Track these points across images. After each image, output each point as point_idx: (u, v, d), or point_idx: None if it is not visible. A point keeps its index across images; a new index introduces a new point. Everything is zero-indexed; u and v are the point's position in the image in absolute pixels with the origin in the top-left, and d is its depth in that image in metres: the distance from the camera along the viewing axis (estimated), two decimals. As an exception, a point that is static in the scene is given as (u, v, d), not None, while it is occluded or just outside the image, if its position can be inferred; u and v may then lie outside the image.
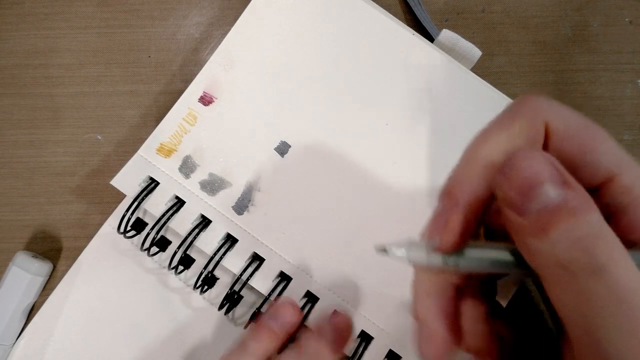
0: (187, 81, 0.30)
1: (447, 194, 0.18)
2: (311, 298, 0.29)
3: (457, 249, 0.17)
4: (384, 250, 0.18)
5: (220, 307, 0.29)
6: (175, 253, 0.28)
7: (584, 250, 0.15)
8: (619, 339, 0.15)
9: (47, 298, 0.30)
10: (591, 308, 0.15)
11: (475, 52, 0.31)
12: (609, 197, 0.17)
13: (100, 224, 0.31)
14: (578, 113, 0.17)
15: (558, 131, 0.17)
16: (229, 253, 0.29)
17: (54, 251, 0.32)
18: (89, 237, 0.31)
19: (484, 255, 0.17)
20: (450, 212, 0.17)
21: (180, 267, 0.29)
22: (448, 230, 0.17)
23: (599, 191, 0.17)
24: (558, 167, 0.15)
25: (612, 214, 0.17)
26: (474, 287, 0.19)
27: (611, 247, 0.15)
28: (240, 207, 0.29)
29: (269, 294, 0.28)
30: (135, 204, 0.29)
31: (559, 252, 0.15)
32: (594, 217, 0.15)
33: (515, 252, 0.16)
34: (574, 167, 0.17)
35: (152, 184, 0.29)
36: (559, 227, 0.15)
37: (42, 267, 0.30)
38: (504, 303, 0.21)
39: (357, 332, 0.28)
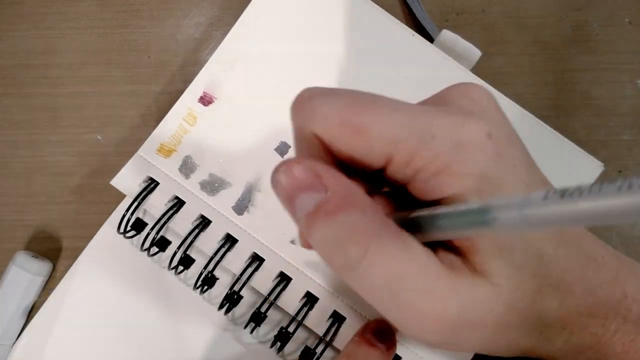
0: (187, 81, 0.30)
1: None
2: (311, 298, 0.29)
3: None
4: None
5: (220, 307, 0.29)
6: (175, 253, 0.28)
7: (337, 250, 0.16)
8: (393, 320, 0.17)
9: (47, 298, 0.30)
10: (364, 297, 0.17)
11: (475, 52, 0.31)
12: (395, 173, 0.17)
13: (100, 224, 0.31)
14: (345, 100, 0.17)
15: (325, 136, 0.17)
16: (229, 253, 0.29)
17: (54, 251, 0.32)
18: (89, 237, 0.31)
19: None
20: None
21: (180, 267, 0.29)
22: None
23: (390, 167, 0.17)
24: (317, 169, 0.16)
25: (408, 184, 0.17)
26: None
27: (365, 242, 0.15)
28: (240, 207, 0.29)
29: (269, 294, 0.28)
30: (135, 204, 0.29)
31: (321, 253, 0.17)
32: (349, 216, 0.15)
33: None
34: (359, 158, 0.17)
35: (152, 184, 0.29)
36: (317, 231, 0.16)
37: (42, 267, 0.30)
38: None
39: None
